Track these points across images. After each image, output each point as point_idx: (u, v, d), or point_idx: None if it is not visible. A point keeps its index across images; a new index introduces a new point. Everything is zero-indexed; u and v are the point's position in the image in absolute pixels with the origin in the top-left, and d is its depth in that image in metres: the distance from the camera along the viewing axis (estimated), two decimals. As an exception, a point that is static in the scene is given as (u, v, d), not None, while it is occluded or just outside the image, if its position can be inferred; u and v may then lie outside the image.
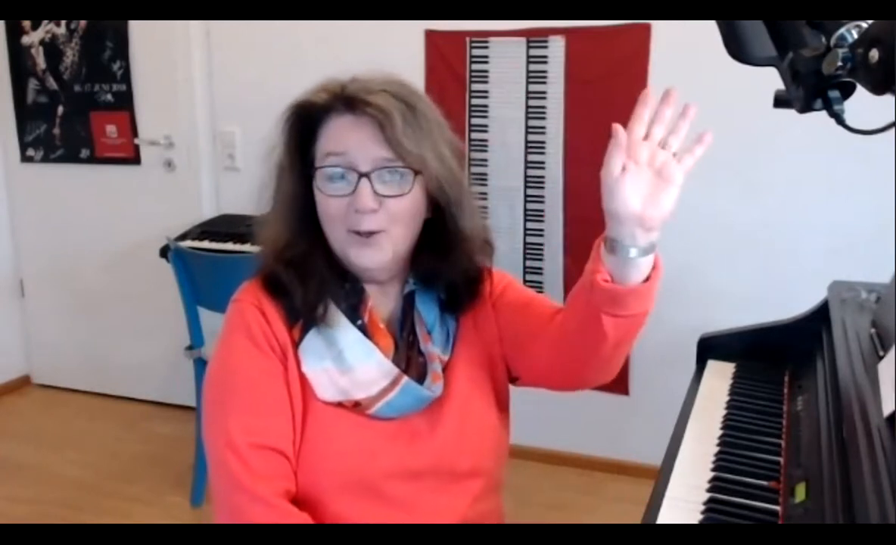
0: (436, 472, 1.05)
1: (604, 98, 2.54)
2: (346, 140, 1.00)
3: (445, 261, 1.08)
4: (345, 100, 1.01)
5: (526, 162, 2.68)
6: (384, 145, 0.99)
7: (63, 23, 3.16)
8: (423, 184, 1.03)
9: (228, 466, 0.96)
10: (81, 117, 3.22)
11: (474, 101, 2.70)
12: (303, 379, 1.03)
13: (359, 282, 1.07)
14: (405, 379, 1.04)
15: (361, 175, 0.99)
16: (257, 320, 1.03)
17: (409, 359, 1.07)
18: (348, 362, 1.03)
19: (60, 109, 3.25)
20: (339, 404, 1.03)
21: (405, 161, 1.00)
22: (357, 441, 1.03)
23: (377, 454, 1.03)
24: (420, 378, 1.06)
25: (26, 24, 3.23)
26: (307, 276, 1.03)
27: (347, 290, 1.06)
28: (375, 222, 1.00)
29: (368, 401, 1.02)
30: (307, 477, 1.01)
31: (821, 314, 1.41)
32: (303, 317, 1.04)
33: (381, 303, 1.09)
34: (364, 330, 1.05)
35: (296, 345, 1.03)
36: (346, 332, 1.04)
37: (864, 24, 0.78)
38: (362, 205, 0.98)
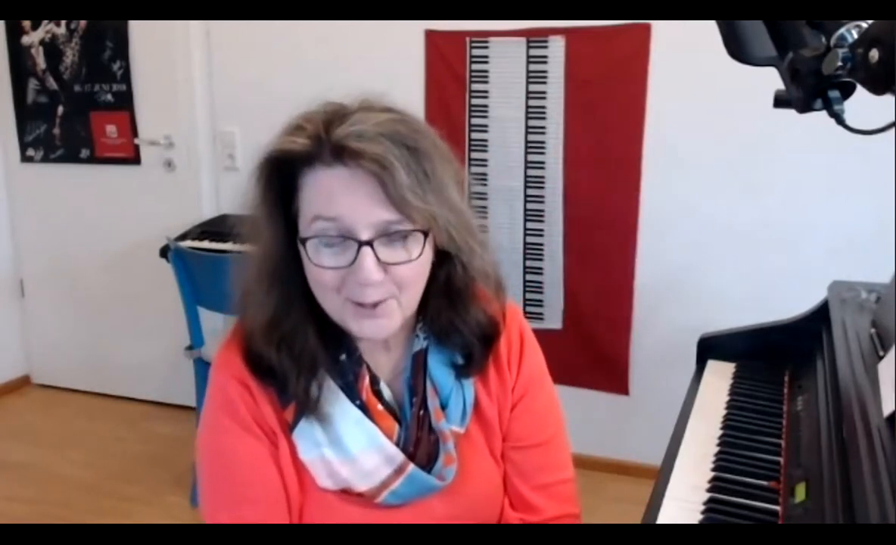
0: None
1: (604, 98, 2.54)
2: (338, 201, 0.83)
3: (456, 312, 0.95)
4: (332, 148, 0.83)
5: (526, 162, 2.68)
6: (386, 205, 0.83)
7: (63, 23, 3.16)
8: (432, 239, 0.89)
9: None
10: (81, 117, 3.22)
11: (474, 101, 2.70)
12: (299, 464, 0.93)
13: (356, 350, 0.94)
14: (411, 467, 0.93)
15: (362, 244, 0.83)
16: (243, 398, 0.92)
17: (419, 439, 0.95)
18: (348, 450, 0.92)
19: (60, 109, 3.25)
20: (343, 491, 0.94)
21: (413, 221, 0.84)
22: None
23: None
24: (431, 458, 0.95)
25: (26, 24, 3.23)
26: (298, 358, 0.90)
27: (343, 363, 0.93)
28: (380, 293, 0.86)
29: (372, 491, 0.93)
30: None
31: (821, 314, 1.41)
32: (296, 403, 0.91)
33: (384, 359, 0.98)
34: (364, 408, 0.93)
35: (288, 428, 0.92)
36: (343, 414, 0.92)
37: (864, 24, 0.78)
38: (366, 278, 0.84)
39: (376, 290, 0.86)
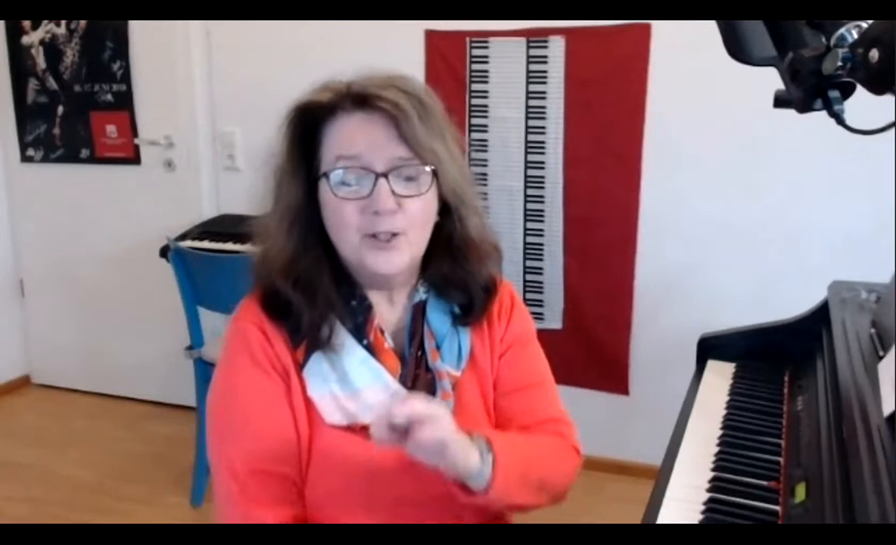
0: (444, 498, 1.00)
1: (604, 98, 2.54)
2: (357, 140, 0.95)
3: (459, 265, 1.04)
4: (352, 97, 0.96)
5: (526, 162, 2.68)
6: (400, 143, 0.94)
7: (63, 23, 3.16)
8: (437, 183, 0.99)
9: (231, 493, 0.96)
10: (81, 117, 3.22)
11: (474, 101, 2.70)
12: (308, 402, 0.99)
13: (366, 298, 1.03)
14: None
15: (379, 175, 0.94)
16: (259, 340, 1.00)
17: (417, 376, 1.03)
18: (354, 385, 0.99)
19: (60, 109, 3.25)
20: (348, 427, 0.99)
21: (423, 158, 0.95)
22: (366, 465, 0.99)
23: (387, 479, 1.00)
24: (429, 395, 1.01)
25: (26, 24, 3.23)
26: (314, 294, 0.98)
27: (353, 307, 1.02)
28: (395, 224, 0.95)
29: None
30: (315, 500, 1.00)
31: (821, 314, 1.41)
32: (307, 340, 0.99)
33: (388, 312, 1.06)
34: (370, 349, 1.01)
35: (299, 367, 1.00)
36: (351, 353, 1.00)
37: (864, 24, 0.78)
38: (383, 206, 0.93)
39: (390, 221, 0.95)
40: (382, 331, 1.03)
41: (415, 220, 0.97)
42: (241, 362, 1.00)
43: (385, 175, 0.94)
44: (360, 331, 1.01)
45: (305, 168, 0.99)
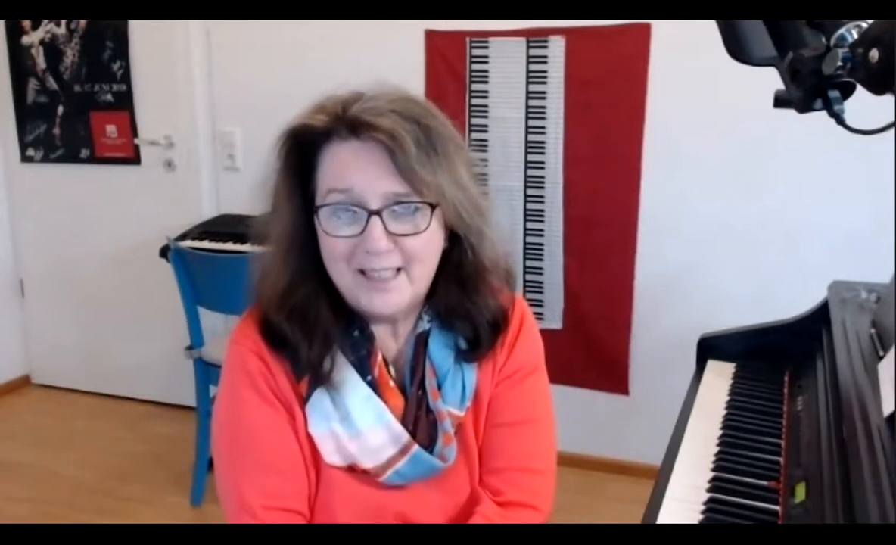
0: None
1: (604, 98, 2.54)
2: (351, 173, 0.88)
3: (467, 296, 0.97)
4: (348, 123, 0.88)
5: (526, 162, 2.68)
6: (395, 177, 0.86)
7: (63, 23, 3.16)
8: (441, 216, 0.92)
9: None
10: (81, 117, 3.22)
11: (474, 101, 2.70)
12: (311, 438, 0.96)
13: (367, 326, 0.97)
14: (415, 448, 0.95)
15: (371, 213, 0.87)
16: (260, 370, 0.95)
17: (418, 418, 0.97)
18: (356, 426, 0.94)
19: (60, 109, 3.25)
20: (348, 468, 0.96)
21: (421, 194, 0.87)
22: (366, 509, 0.97)
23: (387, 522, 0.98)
24: (431, 438, 0.97)
25: (26, 24, 3.23)
26: (311, 327, 0.93)
27: (356, 339, 0.96)
28: (388, 262, 0.89)
29: (377, 469, 0.96)
30: None
31: (821, 314, 1.41)
32: (309, 374, 0.94)
33: (390, 344, 1.00)
34: (374, 385, 0.96)
35: (303, 400, 0.95)
36: (354, 389, 0.95)
37: (864, 24, 0.78)
38: (374, 246, 0.87)
39: (384, 260, 0.89)
40: (387, 364, 0.98)
41: (413, 257, 0.90)
42: (244, 393, 0.95)
43: (378, 213, 0.87)
44: (363, 365, 0.96)
45: (301, 193, 0.93)
